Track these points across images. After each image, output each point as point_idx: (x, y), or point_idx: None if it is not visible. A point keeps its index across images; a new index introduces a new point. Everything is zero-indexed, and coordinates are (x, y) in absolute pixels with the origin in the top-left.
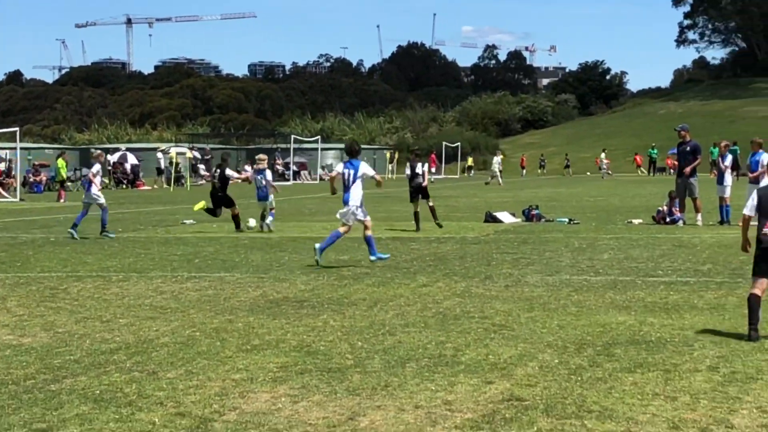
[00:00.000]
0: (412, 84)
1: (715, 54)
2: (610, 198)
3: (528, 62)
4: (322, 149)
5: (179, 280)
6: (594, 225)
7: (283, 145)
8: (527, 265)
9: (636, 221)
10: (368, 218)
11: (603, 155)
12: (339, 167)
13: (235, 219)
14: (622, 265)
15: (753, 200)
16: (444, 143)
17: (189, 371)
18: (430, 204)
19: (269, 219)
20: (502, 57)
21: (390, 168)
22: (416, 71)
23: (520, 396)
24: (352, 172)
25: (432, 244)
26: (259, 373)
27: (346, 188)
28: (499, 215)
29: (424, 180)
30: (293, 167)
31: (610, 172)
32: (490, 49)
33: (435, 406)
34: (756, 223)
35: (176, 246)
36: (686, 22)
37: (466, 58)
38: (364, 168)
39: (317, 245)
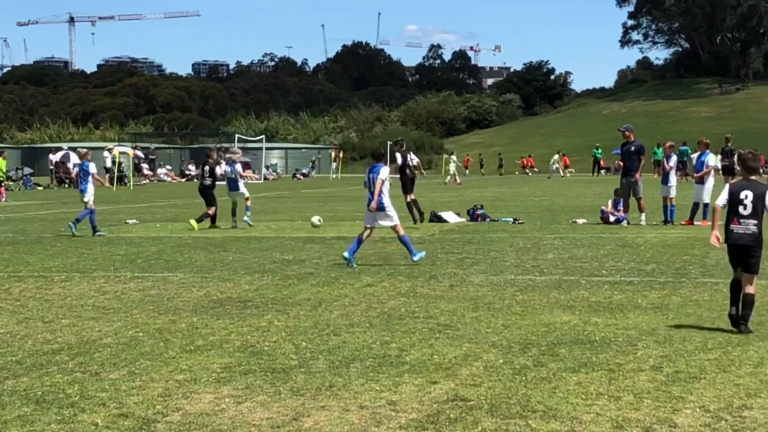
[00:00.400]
0: (356, 83)
1: (659, 54)
2: (554, 198)
3: (473, 62)
4: (267, 149)
5: (122, 280)
6: (538, 225)
7: (227, 145)
8: (472, 264)
9: (580, 221)
10: (371, 227)
11: (557, 156)
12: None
13: (211, 217)
14: (566, 264)
15: (725, 194)
16: (389, 143)
17: (132, 372)
18: (411, 198)
19: (247, 213)
20: (447, 57)
21: (333, 167)
22: (361, 71)
23: (464, 396)
24: (375, 177)
25: (377, 243)
26: (202, 373)
27: (372, 193)
28: (444, 215)
29: (418, 169)
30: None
31: (562, 173)
32: (435, 48)
33: (379, 406)
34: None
35: (119, 246)
36: (630, 22)
37: (410, 57)
38: (383, 174)
39: (414, 258)
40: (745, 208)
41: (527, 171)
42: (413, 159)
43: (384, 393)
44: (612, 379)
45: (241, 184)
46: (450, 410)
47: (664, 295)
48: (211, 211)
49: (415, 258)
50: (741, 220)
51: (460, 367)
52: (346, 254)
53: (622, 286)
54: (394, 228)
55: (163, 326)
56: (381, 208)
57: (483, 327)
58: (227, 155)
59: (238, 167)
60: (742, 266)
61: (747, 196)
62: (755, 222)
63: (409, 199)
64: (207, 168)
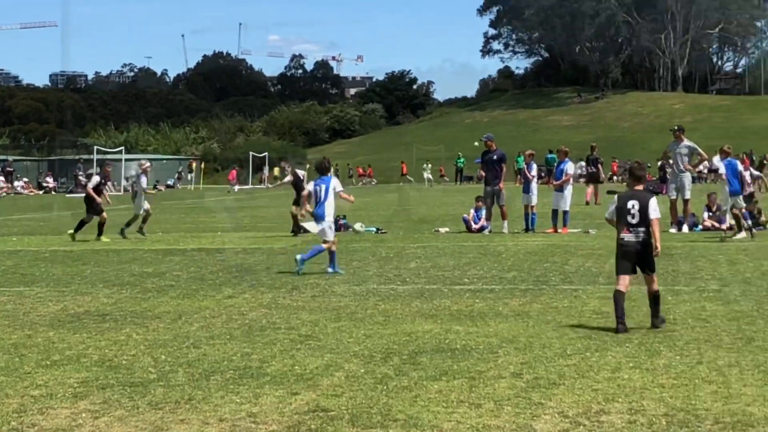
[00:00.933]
0: (218, 94)
1: (520, 64)
2: (417, 207)
3: (335, 72)
4: (126, 160)
5: None
6: (401, 234)
7: (86, 156)
8: (334, 274)
9: (443, 230)
10: (334, 238)
11: (429, 166)
12: (309, 186)
13: (81, 221)
14: (428, 273)
15: (612, 205)
16: (251, 153)
17: None
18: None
19: (127, 229)
20: (309, 66)
21: (190, 178)
22: (222, 81)
23: (325, 406)
24: (323, 187)
25: (239, 254)
26: (59, 388)
27: (318, 204)
28: (307, 225)
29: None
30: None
31: (429, 184)
32: (297, 58)
33: (239, 418)
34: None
35: None
36: (491, 31)
37: (272, 67)
38: (335, 183)
39: (298, 256)
40: (633, 217)
41: (370, 180)
42: (300, 172)
43: (244, 405)
44: (473, 386)
45: (141, 198)
46: (311, 421)
47: (525, 303)
48: (102, 219)
49: (299, 258)
50: (631, 229)
51: (321, 378)
52: (329, 269)
53: (483, 294)
54: (325, 240)
55: (19, 341)
56: (321, 217)
57: (345, 337)
58: (139, 167)
59: (143, 182)
60: (642, 269)
61: (634, 205)
62: (644, 229)
63: (295, 211)
64: (104, 181)
